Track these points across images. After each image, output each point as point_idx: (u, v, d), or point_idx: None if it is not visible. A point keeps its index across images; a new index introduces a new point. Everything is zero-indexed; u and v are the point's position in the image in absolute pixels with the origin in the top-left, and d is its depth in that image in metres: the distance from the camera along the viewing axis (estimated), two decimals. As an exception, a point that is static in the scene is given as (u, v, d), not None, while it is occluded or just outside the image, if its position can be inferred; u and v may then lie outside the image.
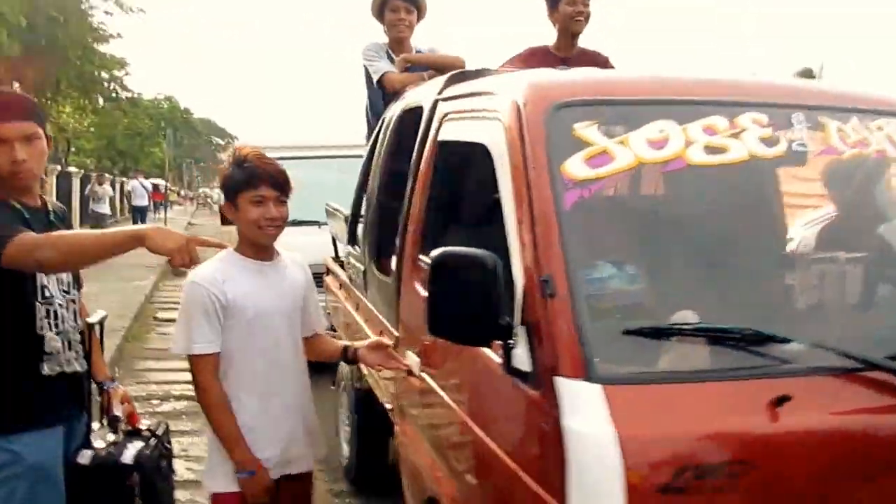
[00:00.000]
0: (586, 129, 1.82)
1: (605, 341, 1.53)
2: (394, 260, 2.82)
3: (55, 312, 2.17)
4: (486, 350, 1.81)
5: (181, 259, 1.91)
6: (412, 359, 2.47)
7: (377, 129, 3.55)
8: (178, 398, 5.88)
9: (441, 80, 2.79)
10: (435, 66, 3.48)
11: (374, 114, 3.71)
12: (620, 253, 1.74)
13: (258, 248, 2.35)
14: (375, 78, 3.60)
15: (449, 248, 1.68)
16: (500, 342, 1.69)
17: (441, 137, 2.49)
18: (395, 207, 3.57)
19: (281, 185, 2.28)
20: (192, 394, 6.08)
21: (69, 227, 2.42)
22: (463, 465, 2.00)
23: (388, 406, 3.03)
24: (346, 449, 4.20)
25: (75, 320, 2.26)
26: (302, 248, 4.55)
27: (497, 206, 2.47)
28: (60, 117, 22.61)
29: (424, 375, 2.33)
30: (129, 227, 2.14)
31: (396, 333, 2.73)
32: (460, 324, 1.68)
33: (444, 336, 1.73)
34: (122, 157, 36.11)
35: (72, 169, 19.15)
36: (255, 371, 2.31)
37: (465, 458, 1.99)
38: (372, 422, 3.94)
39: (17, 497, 2.07)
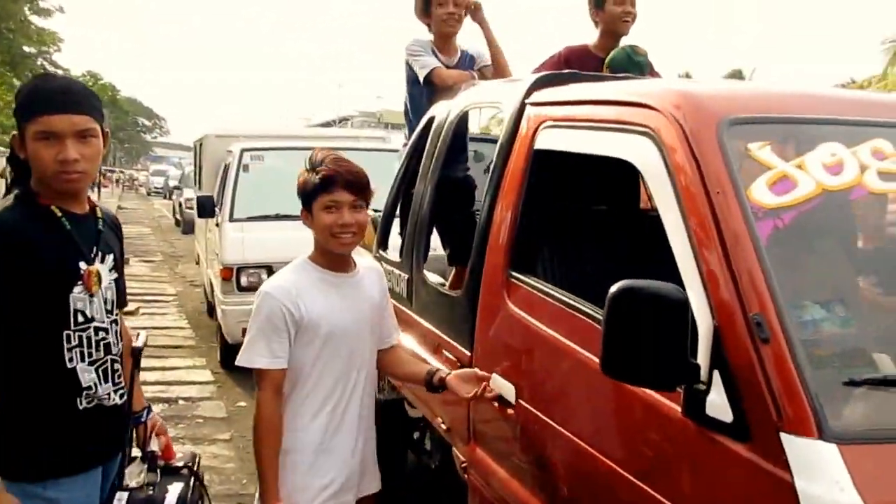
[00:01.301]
0: (762, 151, 1.67)
1: (830, 393, 1.38)
2: (467, 273, 2.61)
3: (89, 339, 1.88)
4: (649, 391, 1.64)
5: None
6: (502, 384, 2.28)
7: (420, 128, 3.32)
8: (154, 400, 5.47)
9: (521, 83, 2.60)
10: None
11: (416, 112, 3.48)
12: (824, 291, 1.60)
13: (334, 258, 2.22)
14: (423, 74, 3.36)
15: (632, 282, 1.50)
16: (682, 386, 1.53)
17: (539, 146, 2.30)
18: (458, 216, 3.40)
19: (357, 188, 2.14)
20: (168, 396, 5.71)
21: (121, 237, 2.11)
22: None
23: (443, 426, 2.84)
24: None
25: (118, 344, 1.98)
26: (286, 243, 4.32)
27: (621, 223, 2.32)
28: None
29: (527, 406, 2.15)
30: None
31: (467, 353, 2.54)
32: (642, 364, 1.50)
33: (620, 377, 1.55)
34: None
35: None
36: (325, 388, 2.20)
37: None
38: (394, 434, 3.76)
39: None
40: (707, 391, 1.49)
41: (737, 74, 33.36)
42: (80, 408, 1.87)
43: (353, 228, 2.13)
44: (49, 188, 1.84)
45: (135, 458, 2.12)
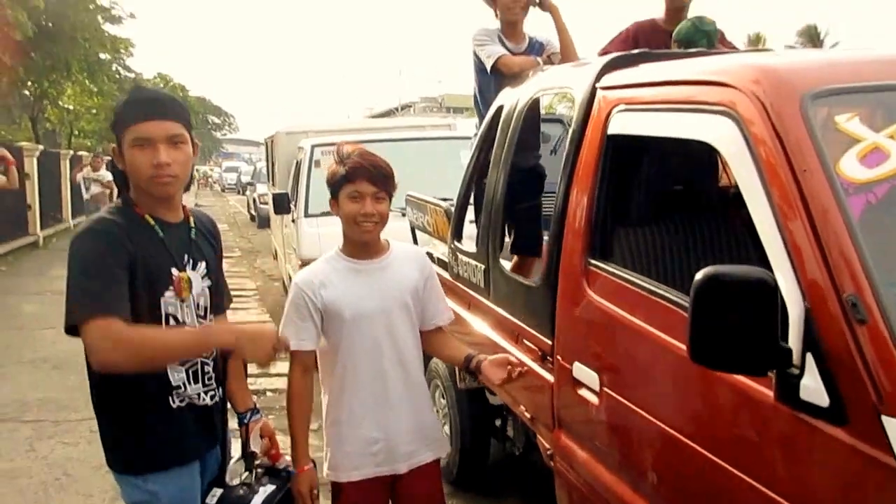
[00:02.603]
0: (850, 123, 1.62)
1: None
2: (542, 262, 2.62)
3: None
4: (737, 376, 1.62)
5: (267, 362, 2.00)
6: (585, 373, 2.29)
7: (490, 116, 3.32)
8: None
9: (591, 66, 2.57)
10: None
11: (485, 101, 3.48)
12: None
13: (359, 245, 2.35)
14: (489, 62, 3.36)
15: (718, 268, 1.48)
16: (773, 371, 1.51)
17: (612, 131, 2.27)
18: (531, 204, 3.41)
19: (380, 180, 2.26)
20: (256, 388, 5.94)
21: (217, 243, 2.20)
22: (690, 494, 1.82)
23: (526, 414, 2.86)
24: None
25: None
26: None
27: (700, 204, 2.27)
28: (61, 98, 22.21)
29: (612, 393, 2.14)
30: (215, 331, 2.03)
31: (549, 341, 2.55)
32: (731, 351, 1.48)
33: (710, 364, 1.54)
34: (122, 139, 35.50)
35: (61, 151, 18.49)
36: (357, 369, 2.34)
37: (695, 487, 1.81)
38: (476, 422, 3.81)
39: None
40: (800, 375, 1.47)
41: (812, 31, 31.82)
42: (174, 406, 1.97)
43: (374, 218, 2.26)
44: (145, 195, 1.94)
45: (241, 457, 2.22)
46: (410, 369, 2.41)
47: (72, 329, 1.80)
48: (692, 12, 3.54)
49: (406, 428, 2.39)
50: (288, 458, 2.33)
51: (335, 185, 2.28)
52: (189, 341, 1.94)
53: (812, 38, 30.50)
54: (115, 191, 2.12)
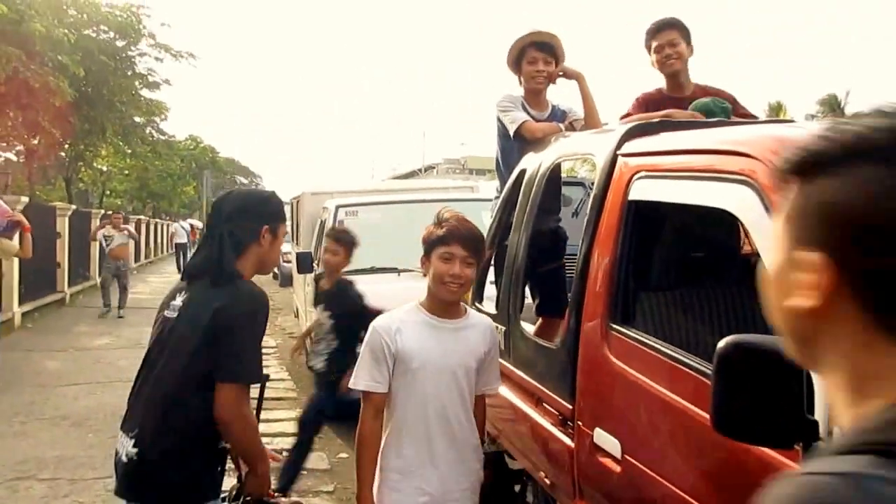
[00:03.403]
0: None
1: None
2: (563, 326, 2.61)
3: None
4: (763, 449, 1.59)
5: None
6: (607, 439, 2.25)
7: (512, 180, 3.37)
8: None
9: (613, 134, 2.61)
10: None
11: (507, 165, 3.53)
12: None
13: (441, 304, 2.45)
14: (513, 128, 3.43)
15: (742, 337, 1.46)
16: (800, 443, 1.48)
17: (633, 197, 2.29)
18: (556, 266, 3.42)
19: (472, 246, 2.39)
20: (272, 448, 5.96)
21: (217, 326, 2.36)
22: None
23: (546, 480, 2.80)
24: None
25: None
26: (380, 296, 4.42)
27: (722, 270, 2.26)
28: (95, 160, 22.86)
29: (634, 461, 2.10)
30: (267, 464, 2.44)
31: (569, 406, 2.52)
32: (756, 422, 1.45)
33: (733, 435, 1.51)
34: (153, 198, 36.43)
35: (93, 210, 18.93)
36: (417, 416, 2.43)
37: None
38: (495, 487, 3.73)
39: None
40: (828, 449, 1.43)
41: (832, 100, 32.03)
42: (220, 447, 2.35)
43: (461, 280, 2.38)
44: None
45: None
46: (464, 428, 2.49)
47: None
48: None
49: (455, 487, 2.47)
50: (285, 500, 2.44)
51: (430, 244, 2.42)
52: (262, 452, 2.39)
53: (833, 107, 30.65)
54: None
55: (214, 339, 2.19)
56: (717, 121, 2.42)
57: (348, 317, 4.42)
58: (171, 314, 2.33)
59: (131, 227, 15.36)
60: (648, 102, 3.66)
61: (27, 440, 5.96)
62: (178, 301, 2.34)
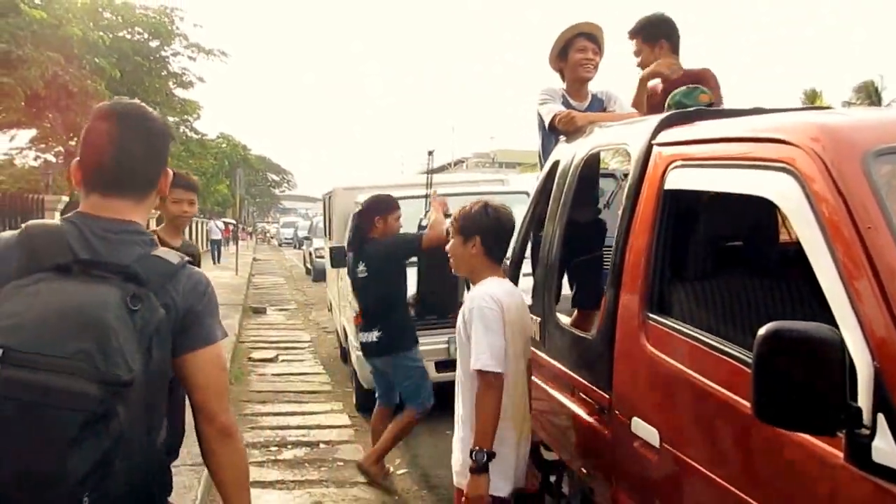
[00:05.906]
0: (913, 180, 1.60)
1: None
2: (599, 315, 2.62)
3: None
4: (804, 436, 1.59)
5: None
6: (645, 428, 2.26)
7: (545, 171, 3.37)
8: (297, 444, 5.74)
9: (647, 123, 2.60)
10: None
11: (547, 156, 3.54)
12: None
13: None
14: (547, 119, 3.43)
15: (782, 324, 1.46)
16: (843, 431, 1.47)
17: (668, 186, 2.29)
18: (593, 258, 3.42)
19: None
20: (309, 440, 5.87)
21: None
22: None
23: (583, 470, 2.82)
24: None
25: None
26: None
27: (759, 258, 2.24)
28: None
29: (672, 449, 2.11)
30: None
31: (606, 396, 2.52)
32: (798, 409, 1.46)
33: (774, 422, 1.51)
34: (188, 197, 36.82)
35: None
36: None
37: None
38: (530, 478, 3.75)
39: None
40: (872, 436, 1.43)
41: (869, 87, 31.25)
42: None
43: None
44: None
45: None
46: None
47: None
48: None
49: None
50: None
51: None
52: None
53: (870, 94, 29.92)
54: None
55: None
56: (754, 108, 2.40)
57: None
58: None
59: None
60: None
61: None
62: None
